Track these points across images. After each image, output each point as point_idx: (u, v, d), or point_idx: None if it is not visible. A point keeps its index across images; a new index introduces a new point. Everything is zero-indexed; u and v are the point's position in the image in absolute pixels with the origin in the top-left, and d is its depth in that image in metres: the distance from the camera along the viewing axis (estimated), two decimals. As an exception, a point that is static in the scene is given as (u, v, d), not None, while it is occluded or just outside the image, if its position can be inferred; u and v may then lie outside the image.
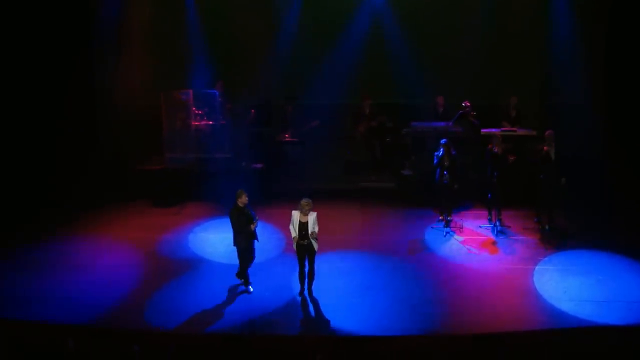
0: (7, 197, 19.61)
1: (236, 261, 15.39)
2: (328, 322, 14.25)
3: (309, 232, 14.69)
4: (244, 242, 15.08)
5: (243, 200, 14.88)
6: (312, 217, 14.77)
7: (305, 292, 15.12)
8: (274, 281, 15.75)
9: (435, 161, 18.41)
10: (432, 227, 18.77)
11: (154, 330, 14.01)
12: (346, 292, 15.40)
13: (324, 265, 16.19)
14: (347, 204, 20.51)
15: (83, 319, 14.41)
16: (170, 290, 15.70)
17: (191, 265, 16.94)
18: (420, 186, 20.52)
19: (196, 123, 22.26)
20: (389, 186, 21.55)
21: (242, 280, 15.39)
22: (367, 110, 23.02)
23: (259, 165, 21.89)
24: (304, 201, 14.79)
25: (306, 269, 15.07)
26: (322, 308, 14.71)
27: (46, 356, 12.15)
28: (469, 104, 20.86)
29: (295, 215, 14.83)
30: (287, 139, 22.71)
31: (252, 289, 15.33)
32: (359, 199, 20.83)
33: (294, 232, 14.87)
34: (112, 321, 14.33)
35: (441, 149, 18.23)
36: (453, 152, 18.27)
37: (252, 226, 14.91)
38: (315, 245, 14.82)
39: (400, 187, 21.35)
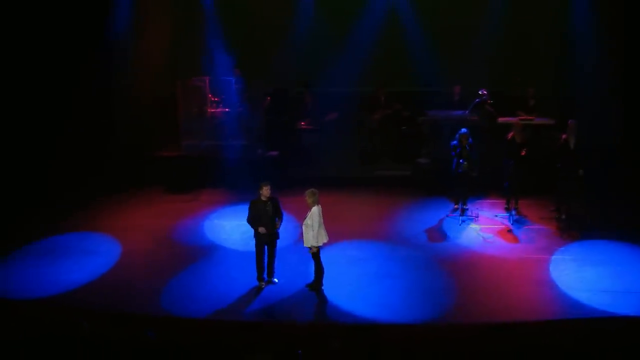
0: (25, 183, 19.71)
1: (252, 248, 15.43)
2: (343, 309, 14.31)
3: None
4: (259, 234, 14.99)
5: (264, 192, 14.79)
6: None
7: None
8: (289, 268, 15.77)
9: (452, 150, 18.41)
10: (447, 216, 18.78)
11: (169, 316, 14.12)
12: (361, 280, 15.45)
13: (338, 253, 16.32)
14: (363, 193, 20.54)
15: (99, 303, 14.56)
16: (185, 276, 15.81)
17: (207, 252, 17.04)
18: (436, 175, 20.50)
19: (212, 110, 22.33)
20: (405, 175, 21.52)
21: (258, 274, 15.34)
22: (382, 99, 23.02)
23: (274, 153, 21.94)
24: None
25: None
26: (337, 296, 14.76)
27: (62, 339, 12.23)
28: (485, 92, 20.81)
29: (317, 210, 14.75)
30: (303, 127, 22.74)
31: (276, 280, 15.37)
32: (375, 188, 20.83)
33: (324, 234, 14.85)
34: (127, 306, 14.44)
35: (460, 138, 18.18)
36: (470, 141, 18.23)
37: (261, 229, 14.88)
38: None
39: (415, 176, 21.33)
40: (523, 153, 18.04)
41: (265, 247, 15.12)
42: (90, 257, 16.74)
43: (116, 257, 16.79)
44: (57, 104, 20.79)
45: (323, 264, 14.86)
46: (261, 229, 14.84)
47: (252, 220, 14.96)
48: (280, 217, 15.08)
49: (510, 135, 18.37)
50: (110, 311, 14.10)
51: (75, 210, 19.51)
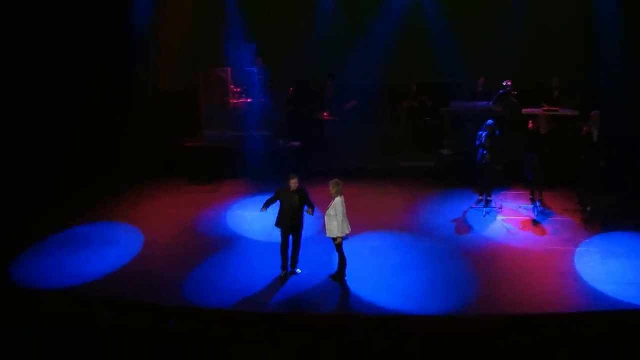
0: (47, 173, 19.75)
1: (274, 239, 15.42)
2: (366, 300, 14.26)
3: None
4: (284, 223, 15.02)
5: (292, 185, 14.76)
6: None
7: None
8: (312, 259, 15.73)
9: (477, 141, 18.29)
10: (471, 207, 18.67)
11: (190, 306, 14.11)
12: (384, 271, 15.40)
13: (361, 244, 16.29)
14: (385, 184, 20.49)
15: (120, 293, 14.59)
16: (207, 267, 15.81)
17: (229, 242, 17.03)
18: (459, 166, 20.40)
19: (234, 100, 22.29)
20: (427, 166, 21.43)
21: (282, 264, 15.30)
22: (414, 89, 22.95)
23: (296, 144, 21.89)
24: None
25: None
26: (360, 287, 14.72)
27: (83, 329, 12.25)
28: (509, 83, 20.65)
29: (340, 201, 14.68)
30: (325, 118, 22.67)
31: (299, 271, 15.35)
32: (397, 179, 20.77)
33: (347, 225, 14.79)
34: (148, 296, 14.46)
35: (485, 130, 18.07)
36: (497, 133, 18.12)
37: (262, 209, 15.00)
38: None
39: (438, 167, 21.24)
40: (546, 145, 17.87)
41: (290, 236, 15.08)
42: (111, 247, 16.78)
43: (138, 247, 16.81)
44: (79, 95, 20.81)
45: (346, 254, 14.78)
46: (262, 209, 15.04)
47: (268, 202, 15.05)
48: (310, 205, 15.03)
49: (531, 125, 18.23)
50: (132, 301, 14.12)
51: (96, 201, 19.55)
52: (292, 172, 14.97)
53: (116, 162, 20.87)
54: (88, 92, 20.90)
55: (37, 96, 20.18)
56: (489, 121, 18.21)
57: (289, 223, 14.93)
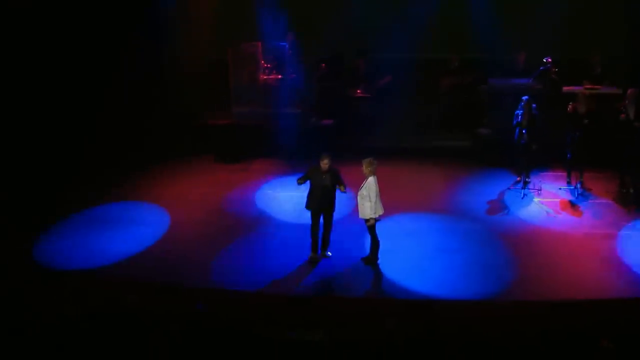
0: (73, 152, 19.85)
1: (305, 221, 15.38)
2: (399, 285, 14.20)
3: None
4: (314, 204, 14.98)
5: (323, 164, 14.66)
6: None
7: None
8: (343, 241, 15.67)
9: (514, 120, 18.12)
10: (509, 189, 18.57)
11: (219, 288, 14.15)
12: (418, 254, 15.34)
13: (395, 226, 16.23)
14: (420, 163, 20.44)
15: (146, 275, 14.65)
16: (236, 248, 15.83)
17: (258, 223, 17.04)
18: (497, 146, 20.23)
19: (265, 77, 22.26)
20: (464, 145, 21.31)
21: (312, 246, 15.23)
22: (456, 65, 22.76)
23: (328, 122, 21.83)
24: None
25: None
26: (393, 270, 14.65)
27: (110, 311, 12.33)
28: (550, 60, 20.40)
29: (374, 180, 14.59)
30: (358, 95, 22.56)
31: (330, 254, 15.29)
32: (433, 159, 20.67)
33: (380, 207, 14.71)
34: (176, 278, 14.50)
35: (521, 107, 17.92)
36: (534, 111, 17.94)
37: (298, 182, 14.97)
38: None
39: (475, 147, 21.10)
40: (585, 124, 17.67)
41: (321, 218, 15.03)
42: (137, 228, 16.85)
43: (164, 228, 16.87)
44: (106, 72, 20.84)
45: (379, 237, 14.72)
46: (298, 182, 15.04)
47: (301, 180, 15.06)
48: (342, 184, 14.90)
49: (571, 106, 18.02)
50: (158, 284, 14.17)
51: (123, 180, 19.67)
52: (323, 151, 14.89)
53: (143, 141, 20.90)
54: (115, 69, 20.91)
55: (65, 74, 20.19)
56: (525, 97, 18.05)
57: (320, 204, 14.86)
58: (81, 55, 20.43)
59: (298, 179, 15.12)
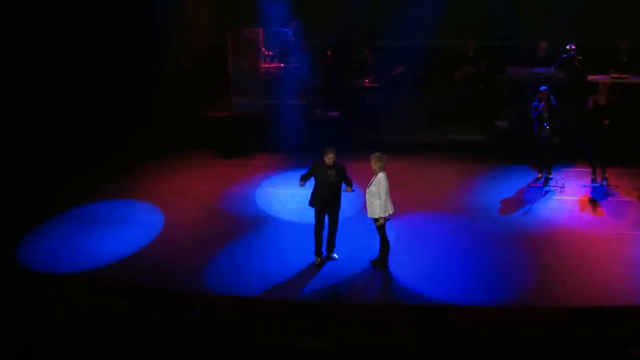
0: (61, 146, 19.84)
1: (309, 220, 15.32)
2: (410, 289, 14.15)
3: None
4: (319, 202, 14.88)
5: (328, 159, 14.54)
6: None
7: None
8: (350, 243, 15.63)
9: (532, 113, 18.06)
10: (529, 186, 18.56)
11: (216, 294, 14.11)
12: (430, 256, 15.30)
13: (406, 227, 16.24)
14: (433, 159, 20.44)
15: (139, 279, 14.61)
16: (234, 250, 15.81)
17: (258, 223, 17.03)
18: (517, 139, 20.19)
19: (266, 65, 22.27)
20: (481, 139, 21.28)
21: (316, 248, 15.17)
22: (470, 54, 22.68)
23: (334, 114, 21.81)
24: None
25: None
26: (404, 274, 14.60)
27: (100, 317, 12.31)
28: (574, 47, 20.37)
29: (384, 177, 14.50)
30: (366, 85, 22.55)
31: (336, 256, 15.21)
32: (447, 153, 20.67)
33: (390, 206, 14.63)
34: (170, 283, 14.44)
35: (540, 98, 17.85)
36: (553, 102, 17.89)
37: (301, 183, 14.86)
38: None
39: (493, 141, 21.07)
40: (607, 116, 17.61)
41: (326, 217, 14.96)
42: (129, 228, 16.84)
43: (158, 228, 16.86)
44: (99, 61, 20.82)
45: (389, 238, 14.66)
46: (301, 183, 14.97)
47: (304, 177, 14.98)
48: (349, 182, 14.90)
49: (591, 101, 17.97)
50: (152, 288, 14.11)
51: (114, 176, 19.67)
52: (328, 145, 14.79)
53: (135, 135, 20.89)
54: (108, 58, 20.90)
55: (57, 63, 20.20)
56: (543, 87, 18.03)
57: (325, 202, 14.78)
58: (74, 44, 20.42)
59: (301, 177, 15.03)
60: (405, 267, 14.81)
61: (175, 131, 21.55)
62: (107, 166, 19.93)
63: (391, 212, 14.51)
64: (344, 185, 14.88)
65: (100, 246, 15.96)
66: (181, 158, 20.94)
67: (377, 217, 14.38)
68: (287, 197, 17.91)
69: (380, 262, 14.79)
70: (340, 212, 15.05)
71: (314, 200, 14.90)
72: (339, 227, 15.15)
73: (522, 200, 17.90)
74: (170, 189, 18.90)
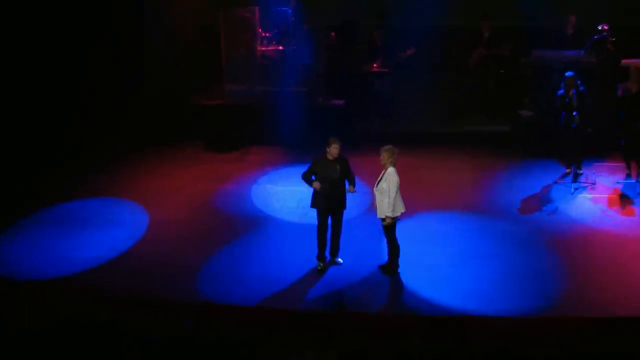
0: (38, 140, 19.96)
1: (311, 220, 15.41)
2: (423, 297, 14.24)
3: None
4: (322, 202, 14.91)
5: (332, 151, 14.55)
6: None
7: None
8: (357, 246, 15.76)
9: (557, 101, 18.15)
10: (556, 182, 18.65)
11: (208, 302, 14.23)
12: (446, 261, 15.38)
13: (418, 228, 16.32)
14: (449, 152, 20.54)
15: (122, 286, 14.73)
16: (228, 254, 15.92)
17: (255, 224, 17.14)
18: (542, 131, 20.27)
19: (263, 48, 22.32)
20: (503, 130, 21.37)
21: (319, 252, 15.22)
22: (486, 35, 22.77)
23: (339, 102, 21.89)
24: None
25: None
26: (416, 281, 14.69)
27: (78, 327, 12.43)
28: (606, 28, 20.43)
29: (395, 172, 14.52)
30: (374, 70, 22.62)
31: (341, 261, 15.31)
32: (463, 147, 20.78)
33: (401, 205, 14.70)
34: (157, 290, 14.56)
35: (566, 85, 17.92)
36: (582, 88, 17.95)
37: (315, 184, 14.68)
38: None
39: (516, 132, 21.16)
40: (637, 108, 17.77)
41: (330, 218, 15.03)
42: (112, 229, 16.96)
43: (143, 229, 16.99)
44: (74, 45, 20.90)
45: (399, 240, 14.77)
46: (315, 184, 14.70)
47: (308, 177, 14.84)
48: (352, 180, 14.91)
49: (621, 89, 18.06)
50: (136, 296, 14.22)
51: (94, 172, 19.78)
52: (331, 136, 14.79)
53: (119, 126, 20.99)
54: (90, 40, 20.99)
55: (33, 52, 20.35)
56: (568, 73, 18.08)
57: (329, 202, 14.78)
58: (53, 24, 20.52)
59: (304, 178, 14.91)
60: (418, 272, 14.91)
61: (162, 122, 21.62)
62: (87, 161, 20.03)
63: (402, 212, 14.53)
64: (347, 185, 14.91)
65: (79, 249, 16.09)
66: (168, 152, 21.04)
67: (385, 216, 14.44)
68: (286, 194, 18.01)
69: (390, 267, 14.90)
70: (347, 212, 15.11)
71: (317, 201, 14.88)
72: (344, 228, 15.20)
73: (548, 199, 17.98)
74: (157, 185, 19.03)
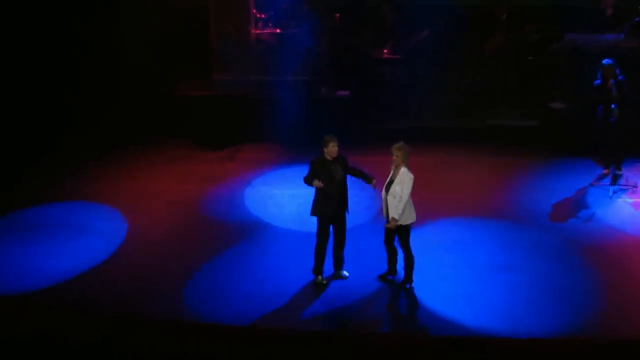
0: (9, 139, 19.99)
1: (311, 228, 15.30)
2: (440, 316, 14.16)
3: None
4: (324, 209, 14.77)
5: (330, 150, 14.46)
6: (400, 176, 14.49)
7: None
8: (361, 258, 15.69)
9: (596, 91, 18.09)
10: (592, 185, 18.64)
11: (196, 322, 14.14)
12: (465, 274, 15.34)
13: (434, 237, 16.33)
14: (470, 150, 20.61)
15: (98, 302, 14.62)
16: (218, 266, 15.88)
17: (248, 232, 17.14)
18: (576, 126, 20.22)
19: (258, 31, 22.31)
20: (531, 125, 21.33)
21: (316, 265, 15.13)
22: (502, 18, 22.69)
23: (344, 93, 21.86)
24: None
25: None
26: (432, 296, 14.62)
27: (47, 348, 12.43)
28: (650, 9, 20.50)
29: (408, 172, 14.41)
30: (384, 56, 22.59)
31: (346, 274, 15.24)
32: (485, 144, 20.80)
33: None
34: (137, 306, 14.50)
35: (603, 74, 17.89)
36: (621, 78, 17.91)
37: (316, 182, 14.50)
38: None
39: (546, 127, 21.11)
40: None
41: (331, 226, 14.92)
42: (86, 238, 16.96)
43: (122, 237, 16.97)
44: (52, 29, 20.93)
45: (413, 250, 14.69)
46: (316, 183, 14.50)
47: (310, 180, 14.65)
48: (364, 174, 14.77)
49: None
50: (114, 314, 14.16)
51: (67, 172, 19.74)
52: (327, 134, 14.65)
53: (96, 120, 20.97)
54: (64, 25, 21.03)
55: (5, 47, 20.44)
56: (606, 61, 18.06)
57: (331, 208, 14.66)
58: (22, 18, 20.63)
59: (306, 181, 14.73)
60: (433, 287, 14.85)
61: (144, 115, 21.60)
62: (59, 159, 20.03)
63: (413, 222, 14.45)
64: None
65: (49, 261, 16.06)
66: (150, 150, 21.06)
67: (392, 217, 14.25)
68: (284, 198, 17.98)
69: (403, 281, 14.86)
70: (352, 218, 15.07)
71: (319, 208, 14.76)
72: (349, 235, 15.09)
73: (582, 203, 18.00)
74: (138, 188, 19.05)
